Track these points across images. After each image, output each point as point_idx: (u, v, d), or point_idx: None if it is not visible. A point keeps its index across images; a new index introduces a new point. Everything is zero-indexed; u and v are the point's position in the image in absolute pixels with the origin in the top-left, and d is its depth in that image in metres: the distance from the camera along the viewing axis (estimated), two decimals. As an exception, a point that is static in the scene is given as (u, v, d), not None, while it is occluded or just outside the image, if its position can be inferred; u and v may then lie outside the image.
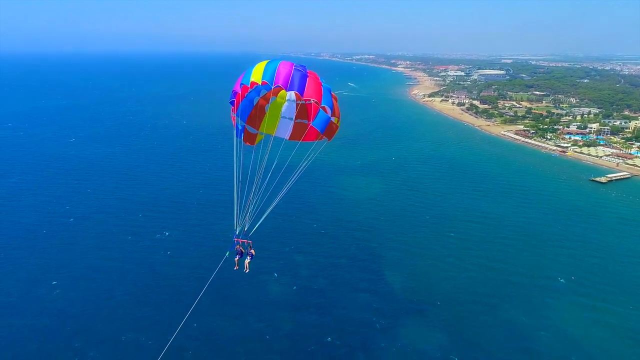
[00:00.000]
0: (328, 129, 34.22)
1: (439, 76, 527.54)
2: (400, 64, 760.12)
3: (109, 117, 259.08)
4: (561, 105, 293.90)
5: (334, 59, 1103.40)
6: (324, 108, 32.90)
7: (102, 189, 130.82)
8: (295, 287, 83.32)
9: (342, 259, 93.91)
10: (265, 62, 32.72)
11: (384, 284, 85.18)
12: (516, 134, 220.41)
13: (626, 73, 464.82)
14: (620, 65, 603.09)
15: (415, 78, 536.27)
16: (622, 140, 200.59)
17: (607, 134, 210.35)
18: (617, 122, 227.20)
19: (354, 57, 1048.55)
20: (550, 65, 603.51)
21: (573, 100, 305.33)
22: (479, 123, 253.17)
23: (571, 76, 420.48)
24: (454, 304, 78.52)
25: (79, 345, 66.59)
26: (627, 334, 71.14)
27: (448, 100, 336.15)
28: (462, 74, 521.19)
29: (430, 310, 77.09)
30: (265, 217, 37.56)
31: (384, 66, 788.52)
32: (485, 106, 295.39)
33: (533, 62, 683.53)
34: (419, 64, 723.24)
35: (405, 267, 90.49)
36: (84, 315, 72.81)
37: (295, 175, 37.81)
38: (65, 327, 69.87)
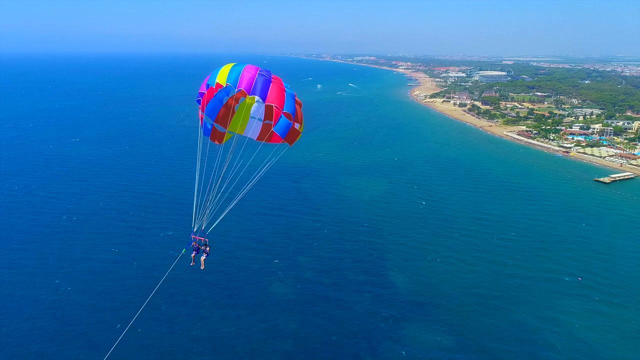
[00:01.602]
0: (289, 135, 34.39)
1: (440, 77, 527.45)
2: (401, 65, 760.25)
3: (113, 118, 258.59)
4: (563, 106, 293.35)
5: (335, 60, 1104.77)
6: (286, 114, 33.08)
7: (104, 188, 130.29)
8: (299, 287, 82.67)
9: (346, 259, 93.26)
10: (232, 64, 33.34)
11: (388, 284, 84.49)
12: (519, 134, 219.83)
13: (627, 74, 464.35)
14: (621, 66, 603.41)
15: (417, 79, 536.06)
16: (626, 141, 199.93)
17: (610, 135, 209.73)
18: (620, 123, 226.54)
19: (355, 59, 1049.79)
20: (551, 66, 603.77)
21: (575, 101, 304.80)
22: (481, 124, 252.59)
23: (572, 77, 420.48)
24: (460, 305, 77.79)
25: (81, 344, 66.10)
26: (635, 334, 70.44)
27: (450, 101, 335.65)
28: (463, 75, 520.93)
29: (435, 310, 76.36)
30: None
31: (385, 67, 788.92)
32: (487, 107, 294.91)
33: (534, 64, 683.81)
34: (419, 65, 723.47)
35: (409, 268, 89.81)
36: (85, 314, 72.29)
37: (257, 177, 38.01)
38: (68, 325, 69.28)
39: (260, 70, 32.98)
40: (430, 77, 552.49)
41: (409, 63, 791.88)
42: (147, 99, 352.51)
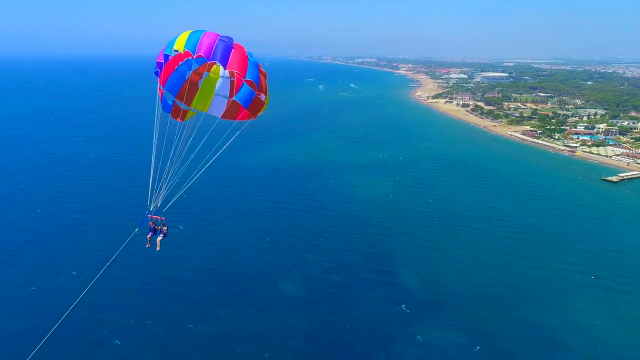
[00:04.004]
0: (253, 105, 31.68)
1: (441, 79, 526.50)
2: (402, 67, 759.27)
3: (117, 117, 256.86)
4: (567, 106, 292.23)
5: (335, 62, 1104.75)
6: (248, 82, 30.69)
7: (113, 185, 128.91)
8: (307, 285, 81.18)
9: (355, 257, 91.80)
10: (190, 31, 31.19)
11: (398, 281, 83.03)
12: (523, 134, 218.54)
13: (629, 76, 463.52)
14: (622, 68, 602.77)
15: (418, 80, 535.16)
16: (632, 140, 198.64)
17: (615, 134, 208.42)
18: (625, 123, 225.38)
19: (356, 60, 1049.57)
20: (553, 68, 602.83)
21: (578, 101, 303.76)
22: (485, 124, 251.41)
23: (574, 78, 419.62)
24: (472, 302, 76.34)
25: (105, 333, 64.73)
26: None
27: (452, 102, 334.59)
28: (465, 76, 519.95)
29: (447, 308, 74.86)
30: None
31: (386, 69, 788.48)
32: (490, 107, 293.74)
33: (535, 65, 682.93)
34: (421, 67, 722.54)
35: (419, 265, 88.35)
36: (102, 305, 70.86)
37: (218, 153, 35.57)
38: (85, 317, 67.69)
39: (220, 37, 30.83)
40: (432, 78, 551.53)
41: (410, 65, 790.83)
42: (149, 99, 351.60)
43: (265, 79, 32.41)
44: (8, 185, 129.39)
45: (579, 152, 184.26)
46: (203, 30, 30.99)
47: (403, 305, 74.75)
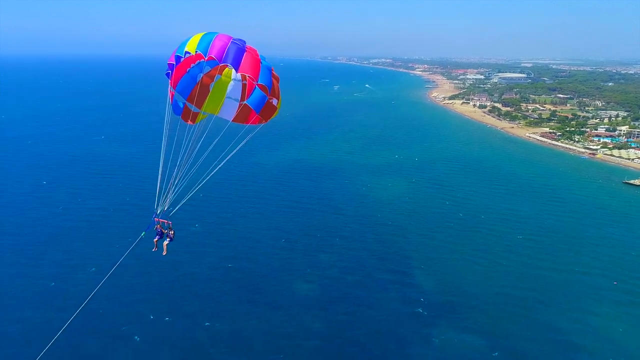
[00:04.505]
0: (264, 110, 31.01)
1: (457, 79, 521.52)
2: (418, 68, 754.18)
3: (135, 117, 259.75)
4: (587, 108, 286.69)
5: (350, 62, 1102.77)
6: (260, 86, 30.13)
7: (133, 183, 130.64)
8: (323, 284, 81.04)
9: (371, 257, 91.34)
10: (203, 33, 30.74)
11: (414, 282, 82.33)
12: (542, 136, 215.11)
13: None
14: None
15: (434, 81, 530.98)
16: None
17: (638, 137, 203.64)
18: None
19: (371, 61, 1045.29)
20: (572, 69, 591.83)
21: (599, 103, 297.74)
22: (503, 125, 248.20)
23: (594, 80, 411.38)
24: (490, 306, 75.28)
25: (124, 329, 65.83)
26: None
27: (469, 103, 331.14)
28: (482, 77, 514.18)
29: (465, 310, 73.95)
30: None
31: (401, 70, 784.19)
32: (508, 108, 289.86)
33: (553, 66, 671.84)
34: (436, 68, 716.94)
35: (436, 266, 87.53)
36: (120, 300, 71.86)
37: (228, 156, 34.65)
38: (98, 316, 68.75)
39: (233, 39, 30.30)
40: (448, 79, 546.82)
41: (425, 65, 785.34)
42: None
43: (278, 83, 31.92)
44: (31, 182, 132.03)
45: (599, 155, 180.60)
46: (215, 33, 30.57)
47: (419, 307, 74.09)
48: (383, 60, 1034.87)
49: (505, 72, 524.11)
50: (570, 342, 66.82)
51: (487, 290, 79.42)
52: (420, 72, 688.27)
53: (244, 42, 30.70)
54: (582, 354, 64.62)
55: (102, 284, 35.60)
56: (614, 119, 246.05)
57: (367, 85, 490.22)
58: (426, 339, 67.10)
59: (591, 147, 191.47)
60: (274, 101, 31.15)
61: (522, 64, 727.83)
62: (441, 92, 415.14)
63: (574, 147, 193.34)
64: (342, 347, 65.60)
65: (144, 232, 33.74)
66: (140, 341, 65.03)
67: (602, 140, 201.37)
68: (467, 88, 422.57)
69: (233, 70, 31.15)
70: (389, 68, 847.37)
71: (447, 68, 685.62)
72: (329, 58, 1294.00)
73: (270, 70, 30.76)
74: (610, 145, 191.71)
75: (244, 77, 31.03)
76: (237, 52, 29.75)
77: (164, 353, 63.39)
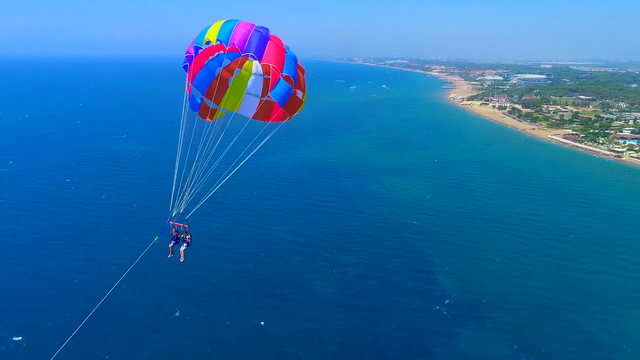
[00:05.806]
0: (289, 103, 28.48)
1: (475, 80, 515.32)
2: (435, 69, 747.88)
3: (154, 116, 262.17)
4: (610, 109, 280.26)
5: (366, 63, 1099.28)
6: (285, 77, 27.63)
7: (157, 181, 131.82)
8: (343, 286, 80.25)
9: (391, 257, 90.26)
10: (224, 20, 28.40)
11: (437, 282, 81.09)
12: (565, 137, 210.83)
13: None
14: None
15: (452, 82, 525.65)
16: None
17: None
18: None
19: (387, 62, 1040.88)
20: (593, 70, 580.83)
21: (623, 104, 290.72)
22: (523, 127, 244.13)
23: (617, 81, 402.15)
24: (516, 305, 73.85)
25: (145, 328, 65.94)
26: None
27: (488, 104, 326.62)
28: (501, 78, 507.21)
29: (489, 310, 72.56)
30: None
31: (418, 71, 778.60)
32: (528, 110, 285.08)
33: (574, 67, 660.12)
34: (454, 69, 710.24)
35: (458, 266, 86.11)
36: (143, 301, 72.23)
37: (248, 156, 32.95)
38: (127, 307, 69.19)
39: (256, 27, 27.99)
40: (466, 80, 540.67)
41: (442, 66, 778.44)
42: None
43: (304, 74, 29.96)
44: (55, 179, 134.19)
45: (625, 157, 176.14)
46: (237, 20, 28.51)
47: (442, 307, 72.95)
48: (399, 61, 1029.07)
49: (525, 73, 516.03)
50: (598, 343, 65.29)
51: (512, 291, 77.94)
52: (437, 73, 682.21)
53: (268, 30, 28.56)
54: (611, 355, 62.82)
55: (122, 279, 34.74)
56: (639, 120, 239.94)
57: (383, 86, 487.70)
58: (450, 344, 65.72)
59: (616, 149, 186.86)
60: (299, 94, 29.27)
61: (542, 65, 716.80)
62: (459, 93, 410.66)
63: (598, 150, 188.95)
64: (364, 345, 64.92)
65: (157, 237, 31.59)
66: (161, 340, 65.12)
67: (628, 142, 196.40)
68: (485, 89, 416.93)
69: (254, 63, 29.34)
70: (406, 69, 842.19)
71: (465, 69, 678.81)
72: (345, 59, 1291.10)
73: (295, 60, 28.82)
74: (637, 148, 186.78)
75: (267, 69, 28.70)
76: (261, 41, 27.64)
77: (184, 354, 62.95)
